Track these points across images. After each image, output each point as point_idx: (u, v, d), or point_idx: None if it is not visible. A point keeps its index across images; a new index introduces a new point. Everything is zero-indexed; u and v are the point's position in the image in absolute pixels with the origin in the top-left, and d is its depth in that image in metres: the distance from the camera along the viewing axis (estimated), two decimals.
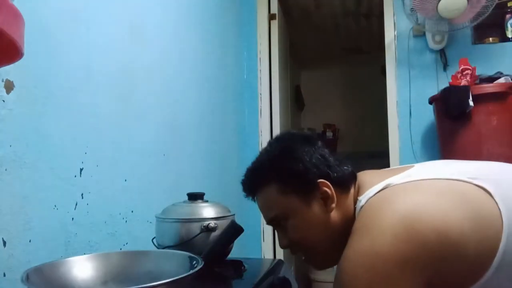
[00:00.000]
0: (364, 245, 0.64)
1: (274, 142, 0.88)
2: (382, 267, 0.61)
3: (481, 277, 0.63)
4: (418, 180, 0.72)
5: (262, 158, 0.87)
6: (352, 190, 0.82)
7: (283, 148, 0.83)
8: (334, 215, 0.79)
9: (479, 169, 0.74)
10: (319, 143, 0.84)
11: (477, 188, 0.68)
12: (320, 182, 0.78)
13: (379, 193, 0.72)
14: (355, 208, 0.78)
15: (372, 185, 0.75)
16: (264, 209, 0.85)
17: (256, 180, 0.86)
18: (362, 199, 0.75)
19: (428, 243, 0.62)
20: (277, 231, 0.85)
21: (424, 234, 0.62)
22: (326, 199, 0.79)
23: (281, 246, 0.84)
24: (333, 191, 0.78)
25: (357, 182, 0.83)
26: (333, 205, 0.78)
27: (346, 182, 0.81)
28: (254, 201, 0.89)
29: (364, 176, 0.83)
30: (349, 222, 0.74)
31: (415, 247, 0.61)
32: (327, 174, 0.79)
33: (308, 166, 0.79)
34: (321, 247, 0.80)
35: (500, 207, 0.65)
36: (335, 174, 0.80)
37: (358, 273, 0.62)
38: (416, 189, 0.70)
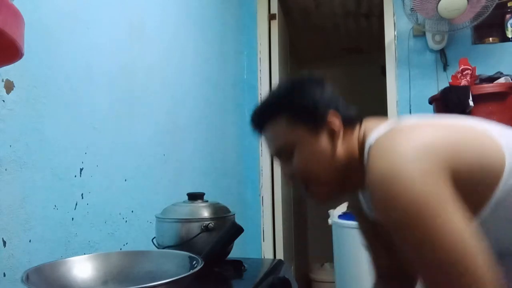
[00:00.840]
0: (385, 162, 0.64)
1: (284, 82, 0.90)
2: (406, 175, 0.61)
3: (480, 210, 0.66)
4: (424, 120, 0.74)
5: (273, 93, 0.88)
6: (357, 129, 0.83)
7: (294, 84, 0.85)
8: (339, 148, 0.80)
9: (481, 121, 0.77)
10: (328, 84, 0.86)
11: (481, 130, 0.71)
12: (329, 113, 0.80)
13: (389, 130, 0.73)
14: (360, 149, 0.80)
15: (379, 127, 0.76)
16: (271, 141, 0.85)
17: (265, 113, 0.85)
18: (371, 139, 0.75)
19: (443, 157, 0.64)
20: (282, 163, 0.85)
21: (439, 149, 0.64)
22: (333, 130, 0.80)
23: (285, 176, 0.84)
24: (341, 123, 0.80)
25: (362, 126, 0.84)
26: (340, 136, 0.80)
27: (352, 120, 0.82)
28: (261, 135, 0.88)
29: (369, 121, 0.84)
30: (352, 161, 0.77)
31: (433, 159, 0.63)
32: (336, 108, 0.81)
33: (317, 99, 0.81)
34: (324, 178, 0.80)
35: (503, 149, 0.67)
36: (343, 110, 0.82)
37: (387, 186, 0.62)
38: (424, 124, 0.72)
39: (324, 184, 0.80)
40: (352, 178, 0.80)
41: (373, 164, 0.66)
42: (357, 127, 0.83)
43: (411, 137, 0.67)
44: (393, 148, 0.65)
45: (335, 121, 0.80)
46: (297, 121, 0.80)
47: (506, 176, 0.66)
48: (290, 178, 0.83)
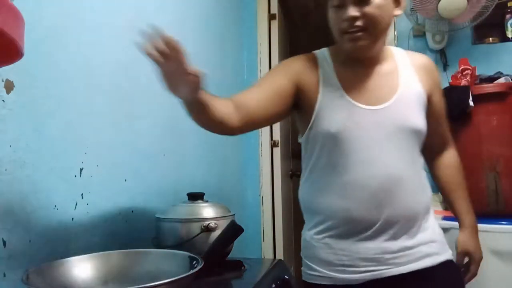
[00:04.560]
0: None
1: None
2: None
3: None
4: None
5: None
6: None
7: None
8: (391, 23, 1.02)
9: None
10: None
11: None
12: None
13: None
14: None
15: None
16: None
17: None
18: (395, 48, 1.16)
19: None
20: (352, 5, 0.95)
21: None
22: (400, 8, 1.01)
23: (350, 14, 0.94)
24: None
25: None
26: (400, 13, 1.01)
27: None
28: None
29: None
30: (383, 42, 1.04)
31: None
32: None
33: None
34: (380, 33, 0.99)
35: None
36: None
37: None
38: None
39: (375, 37, 0.98)
40: (377, 51, 1.04)
41: (426, 59, 1.12)
42: None
43: None
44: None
45: (404, 3, 1.02)
46: None
47: None
48: (352, 18, 0.94)
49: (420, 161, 1.08)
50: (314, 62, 1.07)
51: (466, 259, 1.15)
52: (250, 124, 0.94)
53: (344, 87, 1.02)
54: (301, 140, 1.10)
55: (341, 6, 0.96)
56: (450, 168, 1.20)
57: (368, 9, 0.94)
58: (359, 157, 0.98)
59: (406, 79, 1.05)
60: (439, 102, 1.14)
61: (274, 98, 0.97)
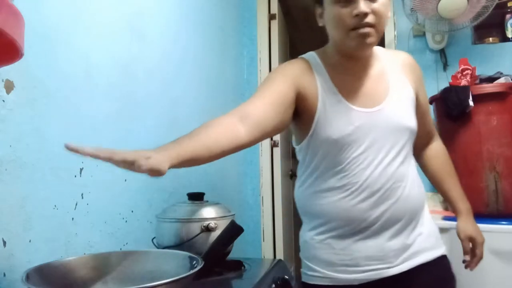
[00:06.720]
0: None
1: None
2: None
3: None
4: None
5: None
6: None
7: None
8: None
9: None
10: None
11: None
12: None
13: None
14: None
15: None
16: None
17: None
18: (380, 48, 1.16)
19: None
20: (363, 1, 0.95)
21: None
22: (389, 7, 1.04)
23: (363, 9, 0.94)
24: None
25: None
26: (389, 16, 1.03)
27: None
28: None
29: None
30: None
31: None
32: None
33: None
34: (382, 30, 1.00)
35: None
36: None
37: None
38: None
39: (380, 34, 0.99)
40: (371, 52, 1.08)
41: (409, 57, 1.19)
42: None
43: None
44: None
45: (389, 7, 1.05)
46: None
47: None
48: (364, 14, 0.94)
49: (413, 157, 1.11)
50: (308, 67, 1.06)
51: (470, 245, 1.16)
52: (260, 136, 0.91)
53: (340, 92, 1.02)
54: (298, 146, 1.09)
55: (348, 2, 0.95)
56: (439, 158, 1.22)
57: (376, 5, 0.95)
58: (359, 158, 0.99)
59: (395, 79, 1.07)
60: (424, 97, 1.18)
61: (279, 107, 0.95)
